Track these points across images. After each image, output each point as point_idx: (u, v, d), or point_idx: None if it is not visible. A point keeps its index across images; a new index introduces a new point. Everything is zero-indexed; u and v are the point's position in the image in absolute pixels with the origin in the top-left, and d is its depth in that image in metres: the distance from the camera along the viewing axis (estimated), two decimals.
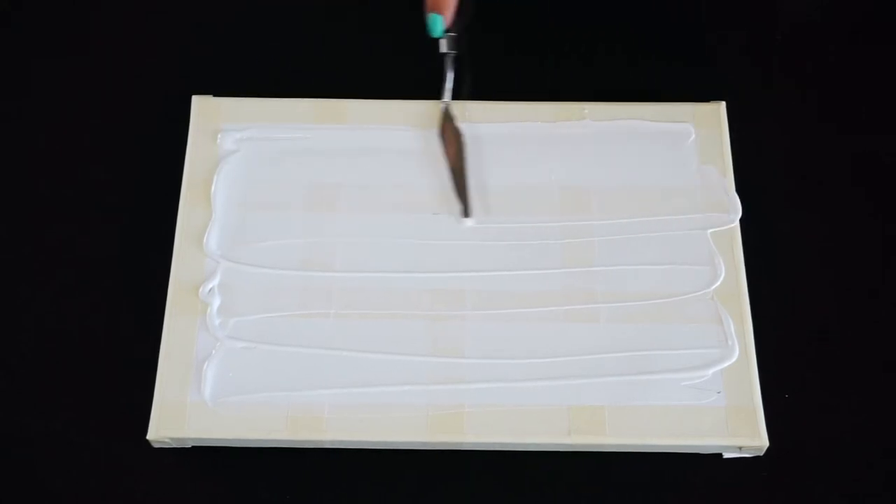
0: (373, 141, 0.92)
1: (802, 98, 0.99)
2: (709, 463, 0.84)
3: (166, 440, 0.82)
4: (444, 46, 0.89)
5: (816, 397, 0.86)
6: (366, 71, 0.99)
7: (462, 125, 0.92)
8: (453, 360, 0.84)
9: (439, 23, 0.86)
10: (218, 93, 0.94)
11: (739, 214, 0.89)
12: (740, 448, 0.82)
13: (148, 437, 0.82)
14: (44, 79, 1.00)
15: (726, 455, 0.84)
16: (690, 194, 0.90)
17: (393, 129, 0.93)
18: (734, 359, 0.84)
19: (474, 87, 0.95)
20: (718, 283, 0.87)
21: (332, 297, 0.86)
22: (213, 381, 0.83)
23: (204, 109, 0.94)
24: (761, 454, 0.83)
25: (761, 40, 1.01)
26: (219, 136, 0.92)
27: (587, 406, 0.83)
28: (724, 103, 0.94)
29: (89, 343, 0.88)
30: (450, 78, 0.91)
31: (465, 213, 0.89)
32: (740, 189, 0.90)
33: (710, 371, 0.83)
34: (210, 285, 0.86)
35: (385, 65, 1.00)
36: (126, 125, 0.97)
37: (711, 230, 0.89)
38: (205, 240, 0.88)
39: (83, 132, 0.97)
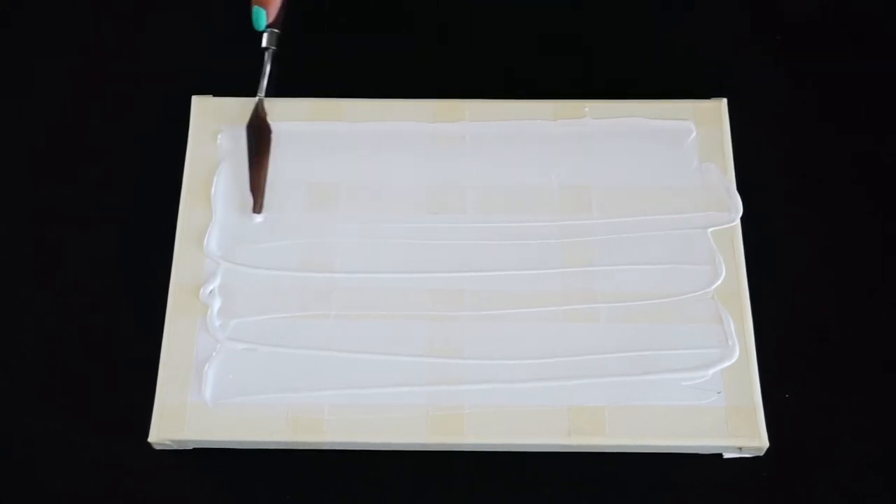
0: (373, 141, 0.92)
1: (803, 97, 0.98)
2: (709, 463, 0.84)
3: (167, 442, 0.82)
4: (265, 41, 0.90)
5: (816, 397, 0.86)
6: (365, 71, 0.99)
7: (271, 122, 0.92)
8: (453, 360, 0.84)
9: (263, 17, 0.87)
10: (218, 93, 0.94)
11: (740, 213, 0.89)
12: (740, 448, 0.82)
13: (149, 439, 0.82)
14: (44, 79, 1.00)
15: (726, 455, 0.84)
16: (691, 193, 0.90)
17: (392, 129, 0.93)
18: (734, 359, 0.84)
19: (473, 87, 0.95)
20: (719, 282, 0.87)
21: (332, 297, 0.86)
22: (214, 383, 0.83)
23: (204, 109, 0.94)
24: (761, 454, 0.83)
25: (761, 40, 1.01)
26: (219, 136, 0.92)
27: (587, 406, 0.83)
28: (725, 100, 0.93)
29: (89, 343, 0.88)
30: (266, 73, 0.92)
31: (257, 209, 0.89)
32: (741, 187, 0.90)
33: (711, 371, 0.83)
34: (210, 287, 0.86)
35: (385, 64, 1.00)
36: (126, 125, 0.97)
37: (712, 229, 0.89)
38: (205, 241, 0.88)
39: (83, 132, 0.97)
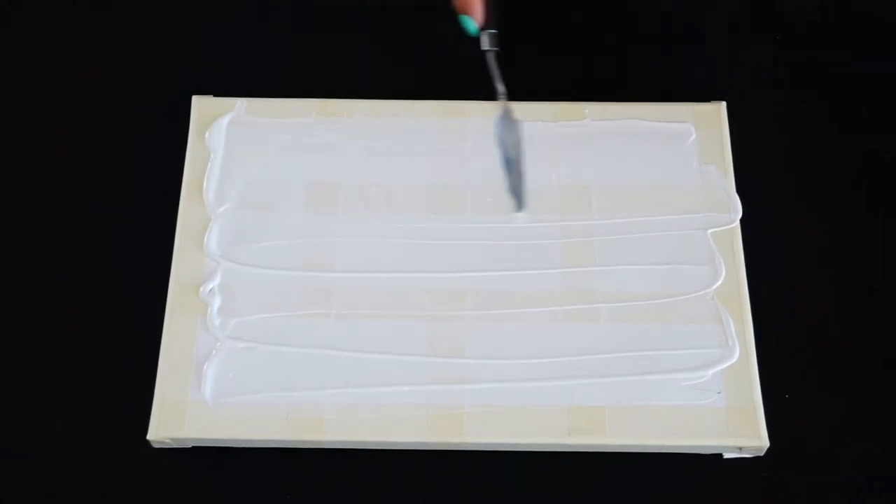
0: (373, 140, 0.92)
1: (802, 98, 0.98)
2: (709, 463, 0.84)
3: (166, 440, 0.82)
4: (484, 44, 0.89)
5: (816, 397, 0.86)
6: (366, 71, 1.00)
7: (520, 119, 0.89)
8: (453, 360, 0.84)
9: (469, 22, 0.86)
10: (218, 93, 0.94)
11: (740, 214, 0.89)
12: (740, 448, 0.82)
13: (148, 437, 0.82)
14: (44, 79, 1.00)
15: (726, 455, 0.84)
16: (691, 194, 0.90)
17: (393, 129, 0.93)
18: (734, 359, 0.84)
19: (474, 87, 0.95)
20: (719, 282, 0.87)
21: (333, 297, 0.86)
22: (214, 382, 0.83)
23: (204, 109, 0.94)
24: (761, 454, 0.83)
25: (761, 40, 1.02)
26: (206, 134, 0.92)
27: (587, 406, 0.83)
28: (724, 103, 0.94)
29: (89, 343, 0.88)
30: (495, 74, 0.89)
31: (519, 207, 0.88)
32: (740, 189, 0.90)
33: (711, 371, 0.83)
34: (210, 285, 0.86)
35: (385, 64, 1.00)
36: (126, 125, 0.97)
37: (712, 230, 0.89)
38: (205, 240, 0.88)
39: (83, 132, 0.97)
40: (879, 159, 0.95)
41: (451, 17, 1.02)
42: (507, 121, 0.88)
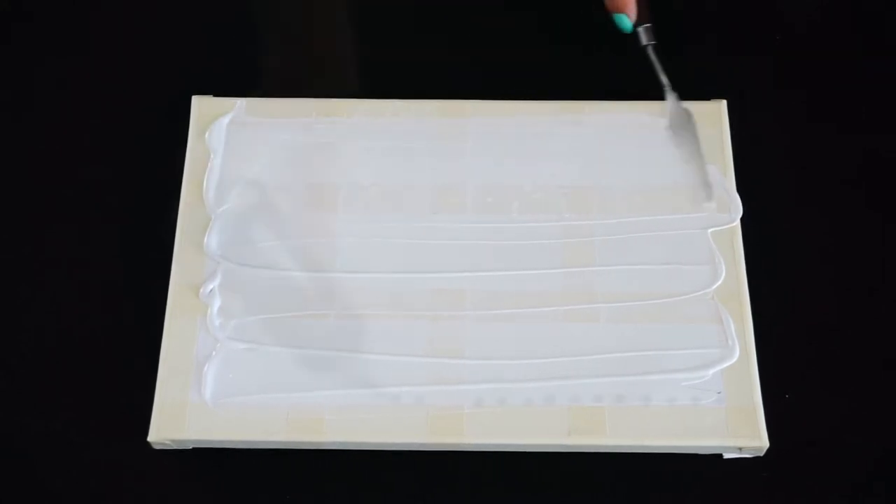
0: (374, 140, 0.92)
1: (802, 97, 0.98)
2: (709, 463, 0.84)
3: (167, 442, 0.82)
4: (642, 39, 0.89)
5: (816, 397, 0.86)
6: (366, 71, 1.00)
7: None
8: (453, 360, 0.84)
9: (624, 20, 0.86)
10: (218, 93, 0.94)
11: (740, 214, 0.89)
12: (740, 448, 0.82)
13: (149, 438, 0.82)
14: (44, 79, 1.00)
15: (726, 455, 0.84)
16: (691, 193, 0.90)
17: (393, 129, 0.93)
18: (734, 359, 0.84)
19: (474, 87, 0.95)
20: (719, 282, 0.87)
21: (333, 297, 0.86)
22: (214, 383, 0.83)
23: (204, 109, 0.94)
24: (761, 454, 0.83)
25: (761, 40, 1.01)
26: (206, 134, 0.92)
27: (587, 406, 0.83)
28: (724, 102, 0.93)
29: (89, 343, 0.88)
30: (658, 69, 0.90)
31: (708, 197, 0.89)
32: (741, 188, 0.90)
33: (711, 371, 0.83)
34: (210, 286, 0.86)
35: (385, 64, 1.00)
36: (126, 125, 0.97)
37: (712, 230, 0.89)
38: (205, 240, 0.88)
39: (83, 132, 0.97)
40: (879, 159, 0.95)
41: (452, 17, 1.03)
42: (680, 113, 0.89)
